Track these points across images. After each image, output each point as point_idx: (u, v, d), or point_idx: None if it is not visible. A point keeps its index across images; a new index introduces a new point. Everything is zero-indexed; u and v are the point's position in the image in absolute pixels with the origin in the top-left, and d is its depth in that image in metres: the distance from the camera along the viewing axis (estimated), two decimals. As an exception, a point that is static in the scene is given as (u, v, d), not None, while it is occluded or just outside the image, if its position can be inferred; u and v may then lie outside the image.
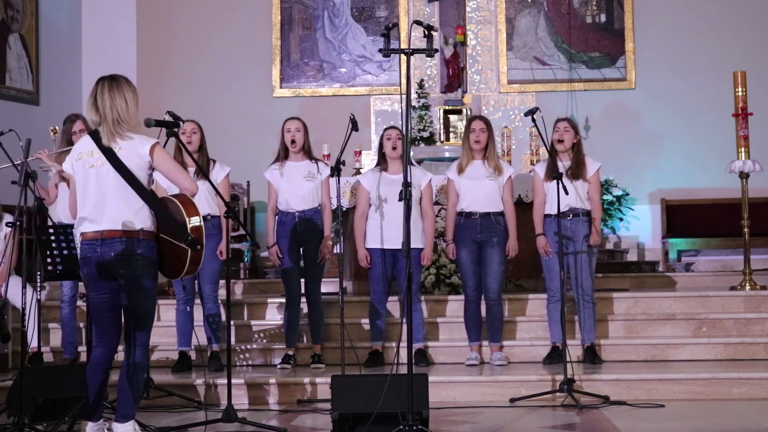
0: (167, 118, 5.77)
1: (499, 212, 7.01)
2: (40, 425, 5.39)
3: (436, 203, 7.68)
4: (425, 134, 10.70)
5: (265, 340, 7.53)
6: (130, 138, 4.68)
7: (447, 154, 10.07)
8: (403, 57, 5.08)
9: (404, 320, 5.30)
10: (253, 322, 7.69)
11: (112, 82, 4.72)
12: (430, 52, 5.07)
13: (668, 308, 7.69)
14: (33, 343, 6.91)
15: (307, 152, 7.12)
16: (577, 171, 6.99)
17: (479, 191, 6.99)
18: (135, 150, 4.67)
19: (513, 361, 7.09)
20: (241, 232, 9.63)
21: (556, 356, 6.89)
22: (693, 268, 10.40)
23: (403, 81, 5.01)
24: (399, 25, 10.98)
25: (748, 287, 7.92)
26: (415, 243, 6.85)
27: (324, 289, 7.26)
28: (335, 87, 11.48)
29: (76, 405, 5.31)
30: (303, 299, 7.12)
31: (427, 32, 5.05)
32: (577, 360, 6.88)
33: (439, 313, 7.73)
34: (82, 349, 7.12)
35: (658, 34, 11.21)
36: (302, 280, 7.11)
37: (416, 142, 10.56)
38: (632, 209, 10.91)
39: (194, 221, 4.64)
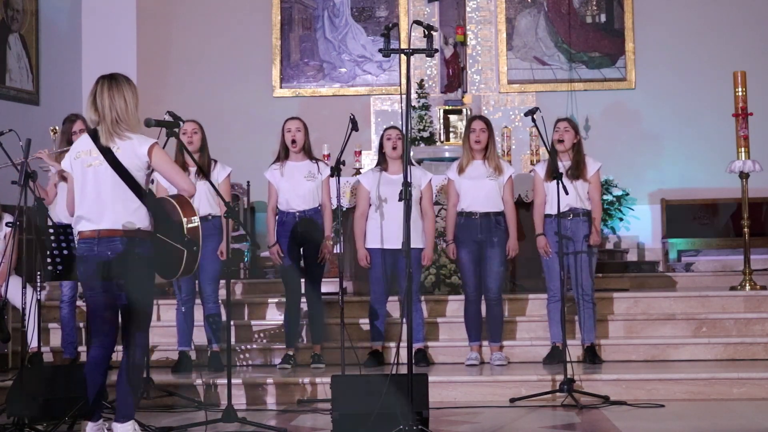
0: (167, 118, 5.78)
1: (499, 212, 7.01)
2: (40, 425, 5.38)
3: (436, 203, 7.68)
4: (425, 134, 10.70)
5: (265, 340, 7.53)
6: (128, 138, 4.69)
7: (447, 154, 10.07)
8: (403, 57, 5.08)
9: (404, 320, 5.30)
10: (253, 322, 7.69)
11: (112, 81, 4.72)
12: (430, 52, 5.07)
13: (668, 308, 7.69)
14: (33, 343, 6.91)
15: (307, 152, 7.12)
16: (577, 171, 6.99)
17: (479, 191, 6.99)
18: (133, 150, 4.68)
19: (513, 361, 7.09)
20: (241, 232, 9.63)
21: (556, 356, 6.89)
22: (693, 268, 10.39)
23: (403, 81, 5.01)
24: (399, 25, 10.99)
25: (748, 287, 7.92)
26: (415, 243, 6.85)
27: (324, 289, 7.25)
28: (335, 87, 11.48)
29: (76, 405, 5.30)
30: (303, 299, 7.12)
31: (427, 32, 5.05)
32: (577, 360, 6.88)
33: (439, 313, 7.74)
34: (82, 349, 7.12)
35: (658, 34, 11.21)
36: (302, 280, 7.11)
37: (416, 142, 10.56)
38: (632, 209, 10.91)
39: (191, 222, 4.64)
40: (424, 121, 10.75)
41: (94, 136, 4.71)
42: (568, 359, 6.20)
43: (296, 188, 7.02)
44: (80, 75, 11.23)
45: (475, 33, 11.20)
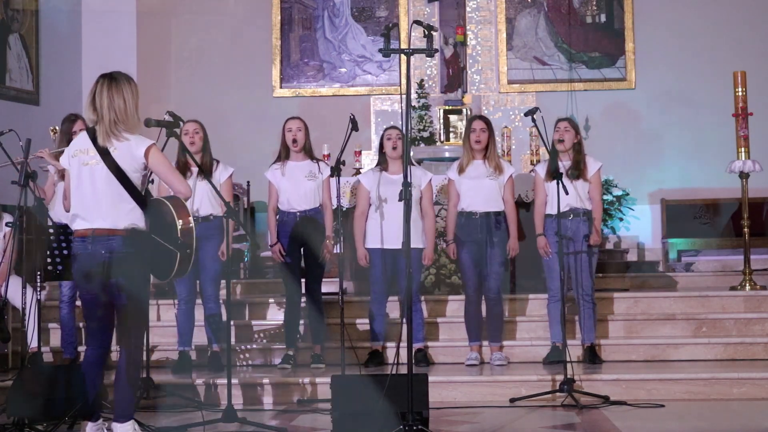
0: (167, 118, 5.78)
1: (499, 212, 7.01)
2: (40, 425, 5.38)
3: (436, 203, 7.69)
4: (425, 134, 10.70)
5: (265, 340, 7.53)
6: (126, 139, 4.68)
7: (447, 154, 10.07)
8: (403, 57, 5.08)
9: (404, 320, 5.30)
10: (253, 322, 7.69)
11: (112, 81, 4.71)
12: (430, 52, 5.07)
13: (668, 308, 7.69)
14: (33, 343, 6.90)
15: (308, 152, 7.12)
16: (578, 171, 6.99)
17: (480, 191, 6.99)
18: (130, 152, 4.68)
19: (513, 361, 7.09)
20: (241, 232, 9.62)
21: (556, 356, 6.89)
22: (693, 268, 10.39)
23: (403, 81, 5.01)
24: (399, 25, 11.00)
25: (748, 287, 7.92)
26: (415, 243, 6.85)
27: (324, 289, 7.25)
28: (335, 87, 11.47)
29: (76, 405, 5.30)
30: (303, 299, 7.12)
31: (427, 32, 5.05)
32: (577, 360, 6.88)
33: (439, 313, 7.73)
34: (82, 349, 7.06)
35: (658, 34, 11.20)
36: (302, 280, 7.11)
37: (416, 142, 10.56)
38: (632, 209, 10.90)
39: (184, 224, 4.65)
40: (424, 121, 10.75)
41: (93, 135, 4.71)
42: (568, 359, 6.21)
43: (297, 188, 7.02)
44: (80, 75, 11.22)
45: (475, 33, 11.20)
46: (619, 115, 11.19)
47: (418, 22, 5.16)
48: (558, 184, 6.38)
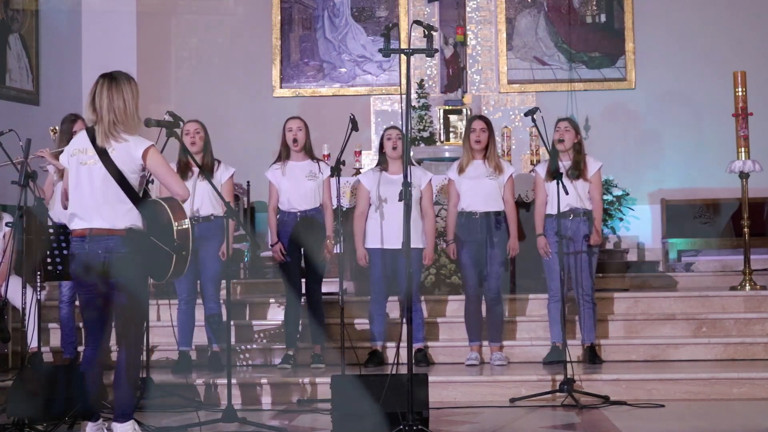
0: (167, 118, 5.77)
1: (499, 212, 7.01)
2: (40, 425, 5.38)
3: (436, 203, 7.68)
4: (425, 134, 10.70)
5: (265, 340, 7.53)
6: (124, 140, 4.68)
7: (447, 154, 10.07)
8: (403, 57, 5.08)
9: (404, 320, 5.31)
10: (253, 322, 7.69)
11: (112, 81, 4.70)
12: (430, 52, 5.08)
13: (668, 308, 7.69)
14: (33, 343, 6.91)
15: (308, 152, 7.12)
16: (578, 171, 6.99)
17: (480, 191, 6.99)
18: (128, 153, 4.68)
19: (513, 361, 7.09)
20: (242, 232, 9.62)
21: (556, 356, 6.89)
22: (693, 268, 10.39)
23: (403, 81, 5.01)
24: (399, 25, 10.99)
25: (748, 287, 7.92)
26: (415, 243, 6.85)
27: (324, 289, 7.25)
28: (335, 87, 11.47)
29: (76, 405, 5.30)
30: (303, 299, 7.12)
31: (427, 32, 5.05)
32: (577, 360, 6.88)
33: (439, 313, 7.73)
34: (82, 349, 7.10)
35: (658, 34, 11.20)
36: (303, 280, 7.10)
37: (416, 142, 10.56)
38: (632, 209, 10.89)
39: (181, 226, 4.65)
40: (424, 121, 10.75)
41: (92, 135, 4.71)
42: (568, 359, 6.21)
43: (298, 188, 7.02)
44: (80, 75, 11.21)
45: (475, 33, 11.20)
46: (619, 115, 11.18)
47: (418, 22, 5.16)
48: (558, 184, 6.38)
